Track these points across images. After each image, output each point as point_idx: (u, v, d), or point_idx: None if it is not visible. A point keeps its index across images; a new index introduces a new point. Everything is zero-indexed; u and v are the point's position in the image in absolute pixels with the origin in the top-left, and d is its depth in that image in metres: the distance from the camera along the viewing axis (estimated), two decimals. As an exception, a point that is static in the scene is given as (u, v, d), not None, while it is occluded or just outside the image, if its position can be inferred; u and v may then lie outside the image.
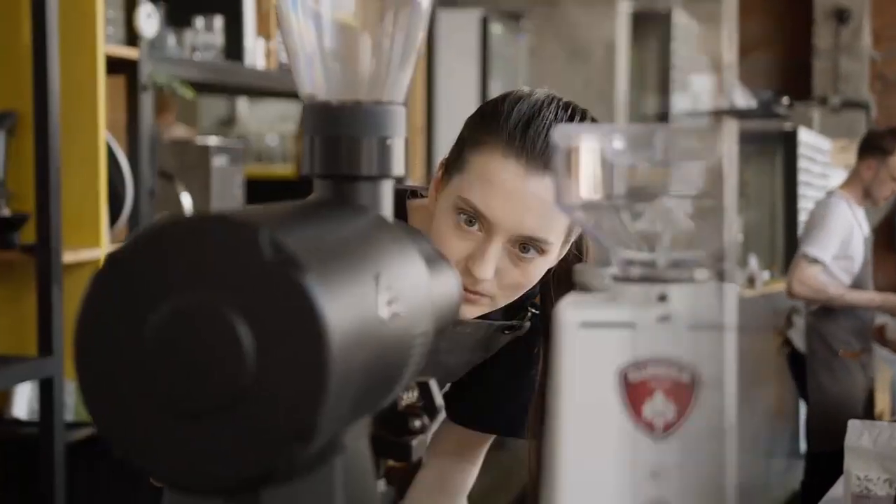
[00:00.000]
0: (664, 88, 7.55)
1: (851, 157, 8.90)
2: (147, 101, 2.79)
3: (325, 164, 0.83)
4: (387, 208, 0.85)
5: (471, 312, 1.35)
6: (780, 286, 6.84)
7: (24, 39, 2.46)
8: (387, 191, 0.85)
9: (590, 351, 0.71)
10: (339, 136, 0.83)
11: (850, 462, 1.99)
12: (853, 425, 2.06)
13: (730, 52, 5.68)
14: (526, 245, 1.29)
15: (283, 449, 0.63)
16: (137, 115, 2.76)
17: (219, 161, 3.11)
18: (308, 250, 0.65)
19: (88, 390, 0.65)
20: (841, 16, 9.59)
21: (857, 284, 4.37)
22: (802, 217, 7.59)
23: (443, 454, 1.54)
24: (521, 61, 5.66)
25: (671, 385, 0.70)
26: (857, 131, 9.28)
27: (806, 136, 7.61)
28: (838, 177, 8.74)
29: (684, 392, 0.70)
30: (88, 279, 0.66)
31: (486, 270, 1.29)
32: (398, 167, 0.85)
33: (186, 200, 2.98)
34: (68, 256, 2.47)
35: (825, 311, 4.37)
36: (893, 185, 4.27)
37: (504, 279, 1.31)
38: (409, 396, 0.92)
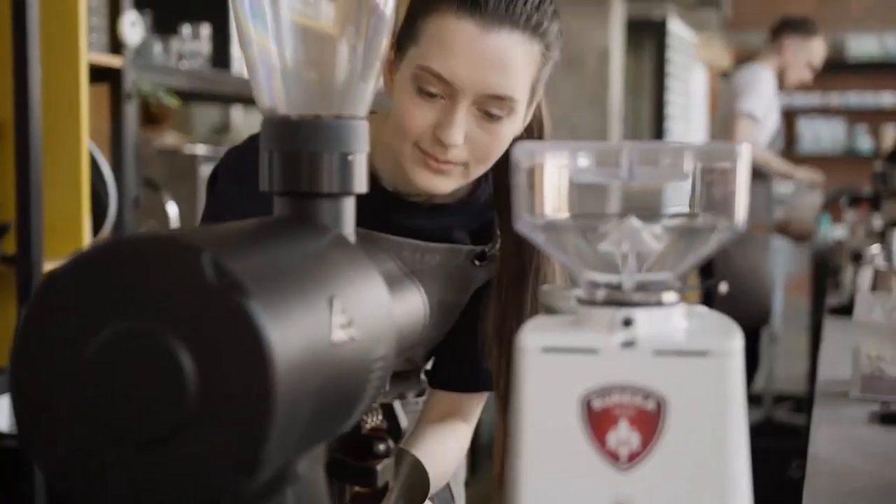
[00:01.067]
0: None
1: (713, 52, 8.93)
2: (131, 110, 2.76)
3: (285, 181, 0.81)
4: (348, 225, 0.82)
5: (446, 185, 1.31)
6: None
7: (5, 47, 2.43)
8: (349, 207, 0.82)
9: (552, 377, 0.68)
10: (298, 152, 0.80)
11: (860, 339, 1.85)
12: (862, 298, 1.92)
13: None
14: (491, 110, 1.26)
15: (228, 481, 0.61)
16: (121, 124, 2.73)
17: (207, 170, 3.09)
18: (254, 273, 0.62)
19: (23, 414, 0.62)
20: None
21: (770, 145, 4.40)
22: (670, 110, 7.65)
23: (436, 418, 1.49)
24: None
25: (636, 413, 0.67)
26: (710, 27, 9.35)
27: (675, 27, 7.59)
28: (699, 71, 8.82)
29: (650, 421, 0.67)
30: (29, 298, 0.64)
31: (456, 135, 1.26)
32: (360, 183, 0.82)
33: (172, 210, 2.95)
34: (49, 265, 2.44)
35: None
36: (805, 71, 4.26)
37: (474, 144, 1.28)
38: (373, 419, 0.90)
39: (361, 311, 0.72)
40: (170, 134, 4.17)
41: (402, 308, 0.83)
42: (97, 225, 2.64)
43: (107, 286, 0.61)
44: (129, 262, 0.61)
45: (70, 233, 2.54)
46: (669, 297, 0.70)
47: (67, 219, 2.54)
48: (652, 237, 0.71)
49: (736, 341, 0.67)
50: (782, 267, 6.14)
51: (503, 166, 1.33)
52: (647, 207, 0.76)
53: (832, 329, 2.83)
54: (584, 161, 0.70)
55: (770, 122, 4.34)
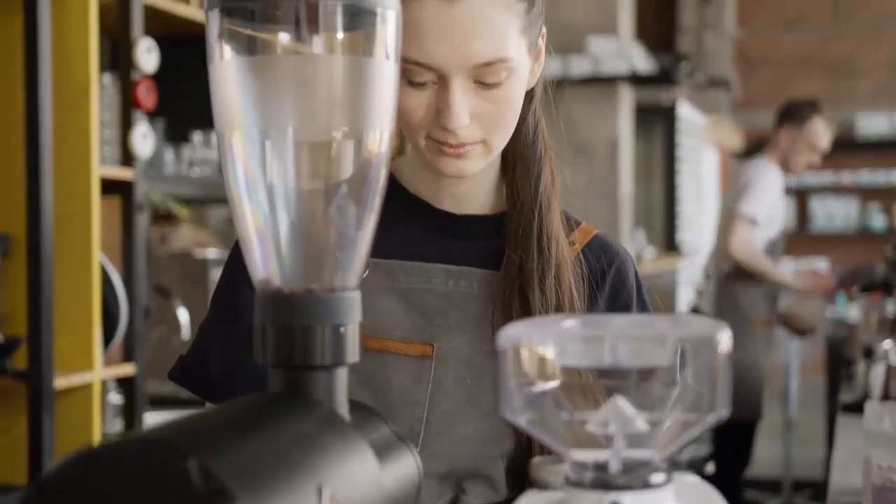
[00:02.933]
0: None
1: (724, 133, 8.98)
2: (142, 221, 2.79)
3: (278, 354, 0.82)
4: (340, 396, 0.83)
5: (472, 167, 1.21)
6: (666, 263, 6.97)
7: (18, 161, 2.47)
8: (341, 378, 0.83)
9: (541, 562, 0.69)
10: (291, 326, 0.82)
11: (869, 448, 1.80)
12: (871, 407, 1.88)
13: (625, 13, 5.65)
14: (486, 79, 1.16)
15: None
16: (133, 236, 2.76)
17: (218, 273, 3.11)
18: (241, 473, 0.63)
19: None
20: None
21: (769, 250, 4.36)
22: (681, 194, 7.65)
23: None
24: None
25: None
26: (720, 109, 9.40)
27: (684, 111, 7.63)
28: (709, 153, 8.86)
29: None
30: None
31: (459, 116, 1.16)
32: (353, 353, 0.83)
33: (183, 316, 2.97)
34: (60, 381, 2.46)
35: (739, 275, 4.31)
36: (810, 155, 4.26)
37: (483, 118, 1.19)
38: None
39: (351, 492, 0.73)
40: (185, 228, 4.20)
41: (393, 477, 0.84)
42: (108, 337, 2.65)
43: (95, 493, 0.62)
44: (114, 470, 0.62)
45: (81, 347, 2.55)
46: (657, 478, 0.71)
47: (78, 333, 2.55)
48: (639, 418, 0.71)
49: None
50: (797, 351, 6.12)
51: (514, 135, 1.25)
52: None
53: (845, 428, 2.81)
54: (568, 346, 0.71)
55: (774, 224, 4.35)
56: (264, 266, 0.85)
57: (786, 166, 4.33)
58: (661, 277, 7.07)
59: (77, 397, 2.56)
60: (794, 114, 4.33)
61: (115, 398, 3.08)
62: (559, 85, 1.31)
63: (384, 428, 0.89)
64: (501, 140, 1.23)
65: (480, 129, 1.19)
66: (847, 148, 10.25)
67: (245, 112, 0.82)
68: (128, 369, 2.77)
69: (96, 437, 2.59)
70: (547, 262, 1.25)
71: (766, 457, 6.67)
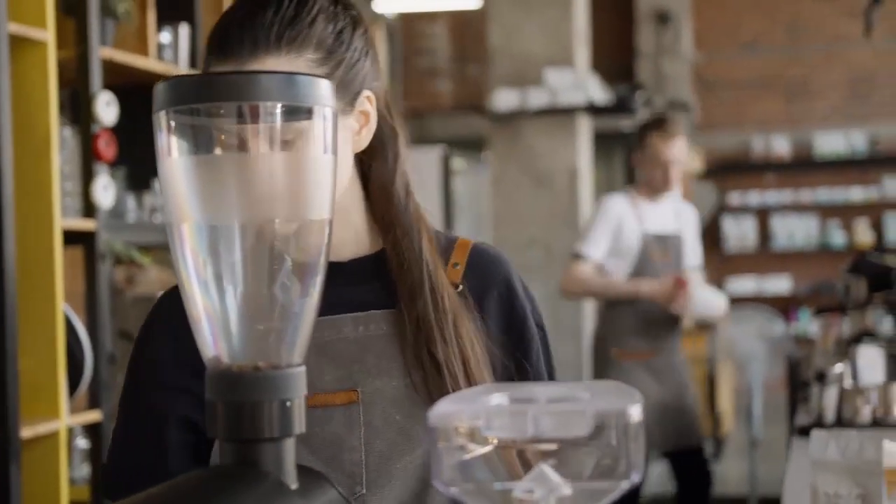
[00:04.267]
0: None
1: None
2: (105, 270, 2.83)
3: (228, 429, 0.88)
4: (289, 465, 0.89)
5: None
6: None
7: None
8: (289, 449, 0.89)
9: None
10: (241, 402, 0.87)
11: (816, 476, 1.83)
12: (817, 436, 1.91)
13: (581, 46, 5.72)
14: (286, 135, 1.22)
15: None
16: (96, 285, 2.80)
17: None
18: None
19: None
20: (662, 18, 9.86)
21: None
22: None
23: None
24: (483, 191, 5.77)
25: None
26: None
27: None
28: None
29: None
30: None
31: None
32: (299, 425, 0.89)
33: (148, 360, 3.00)
34: (26, 431, 2.49)
35: (608, 309, 4.27)
36: (659, 168, 4.22)
37: None
38: None
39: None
40: (152, 269, 4.23)
41: (342, 541, 0.90)
42: (73, 385, 2.69)
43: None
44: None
45: (47, 396, 2.59)
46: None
47: (44, 382, 2.59)
48: (563, 484, 0.78)
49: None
50: (760, 369, 6.22)
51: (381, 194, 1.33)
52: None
53: (798, 453, 2.87)
54: (494, 420, 0.77)
55: (631, 253, 4.26)
56: (214, 344, 0.91)
57: (651, 187, 4.30)
58: (626, 301, 7.14)
59: (44, 446, 2.59)
60: (637, 138, 4.35)
61: (82, 443, 3.11)
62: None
63: (331, 491, 0.95)
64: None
65: None
66: (805, 167, 10.41)
67: (193, 205, 0.88)
68: (94, 416, 2.81)
69: (63, 484, 2.62)
70: (443, 314, 1.32)
71: (731, 474, 6.76)
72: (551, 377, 1.45)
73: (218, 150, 0.89)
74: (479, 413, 0.78)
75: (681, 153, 4.23)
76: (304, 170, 0.89)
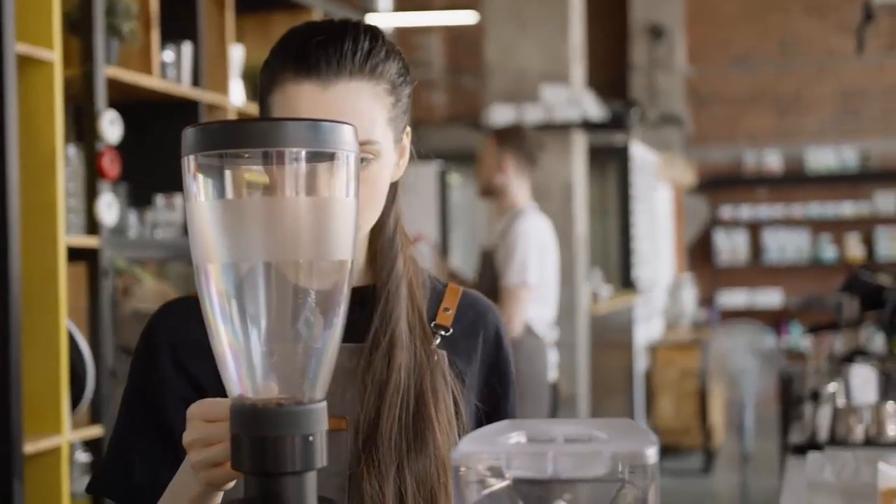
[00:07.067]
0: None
1: (677, 171, 9.11)
2: (107, 286, 2.86)
3: (253, 462, 0.91)
4: (310, 498, 0.92)
5: None
6: (623, 301, 7.10)
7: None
8: (310, 482, 0.92)
9: None
10: (264, 437, 0.90)
11: (812, 498, 1.86)
12: (813, 458, 1.92)
13: (577, 62, 5.75)
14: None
15: None
16: (98, 301, 2.82)
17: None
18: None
19: None
20: (655, 32, 9.91)
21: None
22: (636, 231, 7.80)
23: None
24: (478, 205, 5.80)
25: None
26: (673, 145, 9.60)
27: (637, 151, 7.80)
28: (663, 189, 9.04)
29: None
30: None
31: None
32: (321, 459, 0.92)
33: (148, 375, 3.02)
34: (29, 447, 2.51)
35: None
36: (497, 171, 4.16)
37: None
38: None
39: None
40: (148, 281, 4.25)
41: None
42: (75, 400, 2.71)
43: None
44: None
45: (49, 411, 2.61)
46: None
47: (46, 398, 2.61)
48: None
49: None
50: (752, 384, 6.25)
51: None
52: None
53: (793, 471, 2.90)
54: (514, 461, 0.80)
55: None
56: (238, 380, 0.94)
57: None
58: (619, 315, 7.19)
59: (46, 461, 2.61)
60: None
61: (83, 456, 3.13)
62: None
63: (350, 521, 0.98)
64: (368, 220, 1.31)
65: None
66: (797, 181, 10.47)
67: (219, 246, 0.91)
68: (95, 431, 2.83)
69: (65, 498, 2.64)
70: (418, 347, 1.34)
71: (723, 488, 6.79)
72: None
73: (244, 194, 0.92)
74: (499, 453, 0.81)
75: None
76: (328, 212, 0.92)
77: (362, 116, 1.26)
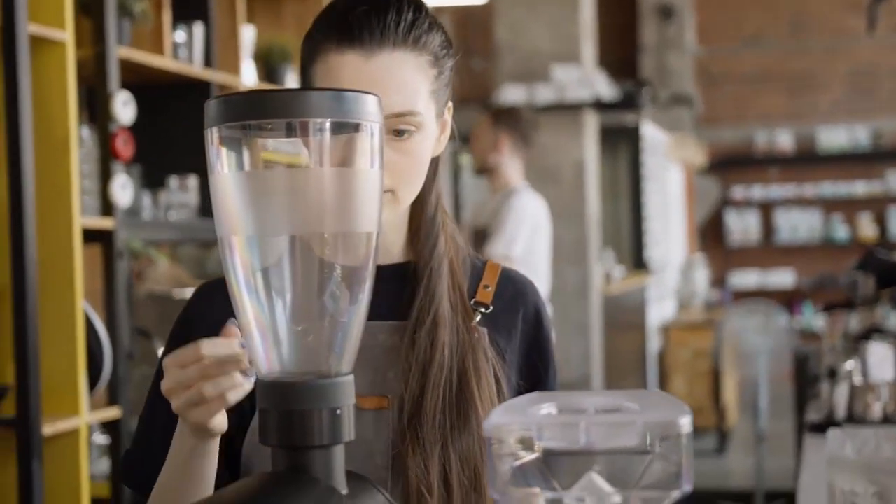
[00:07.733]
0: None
1: (688, 151, 9.08)
2: (123, 268, 2.86)
3: (280, 436, 0.90)
4: (338, 471, 0.91)
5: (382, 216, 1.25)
6: (635, 281, 7.11)
7: (2, 214, 2.53)
8: (338, 455, 0.91)
9: None
10: (291, 411, 0.90)
11: (832, 475, 1.85)
12: (834, 434, 1.92)
13: (587, 41, 5.73)
14: (398, 126, 1.25)
15: None
16: (114, 282, 2.82)
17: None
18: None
19: None
20: (665, 12, 9.87)
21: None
22: (647, 211, 7.79)
23: None
24: (489, 185, 5.79)
25: None
26: (684, 125, 9.58)
27: (648, 131, 7.77)
28: (674, 169, 9.02)
29: None
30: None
31: None
32: (349, 433, 0.91)
33: (164, 357, 3.02)
34: (48, 428, 2.52)
35: None
36: (494, 154, 4.17)
37: (393, 167, 1.24)
38: None
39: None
40: (162, 264, 4.25)
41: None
42: (93, 381, 2.72)
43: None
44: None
45: (67, 392, 2.61)
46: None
47: (64, 379, 2.61)
48: (612, 491, 0.80)
49: None
50: (765, 363, 6.23)
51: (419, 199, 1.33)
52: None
53: (811, 450, 2.89)
54: (546, 431, 0.79)
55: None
56: (265, 354, 0.93)
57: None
58: (631, 295, 7.18)
59: (64, 442, 2.62)
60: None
61: (101, 438, 3.14)
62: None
63: (379, 497, 0.97)
64: (409, 193, 1.30)
65: (389, 179, 1.25)
66: (809, 161, 10.44)
67: (243, 218, 0.91)
68: (113, 412, 2.83)
69: (84, 480, 2.65)
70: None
71: (737, 468, 6.79)
72: None
73: (267, 165, 0.91)
74: (531, 424, 0.80)
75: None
76: (353, 184, 0.91)
77: (405, 87, 1.25)
